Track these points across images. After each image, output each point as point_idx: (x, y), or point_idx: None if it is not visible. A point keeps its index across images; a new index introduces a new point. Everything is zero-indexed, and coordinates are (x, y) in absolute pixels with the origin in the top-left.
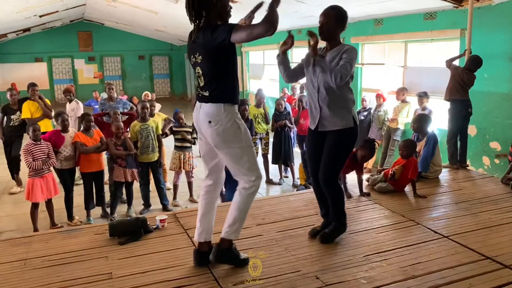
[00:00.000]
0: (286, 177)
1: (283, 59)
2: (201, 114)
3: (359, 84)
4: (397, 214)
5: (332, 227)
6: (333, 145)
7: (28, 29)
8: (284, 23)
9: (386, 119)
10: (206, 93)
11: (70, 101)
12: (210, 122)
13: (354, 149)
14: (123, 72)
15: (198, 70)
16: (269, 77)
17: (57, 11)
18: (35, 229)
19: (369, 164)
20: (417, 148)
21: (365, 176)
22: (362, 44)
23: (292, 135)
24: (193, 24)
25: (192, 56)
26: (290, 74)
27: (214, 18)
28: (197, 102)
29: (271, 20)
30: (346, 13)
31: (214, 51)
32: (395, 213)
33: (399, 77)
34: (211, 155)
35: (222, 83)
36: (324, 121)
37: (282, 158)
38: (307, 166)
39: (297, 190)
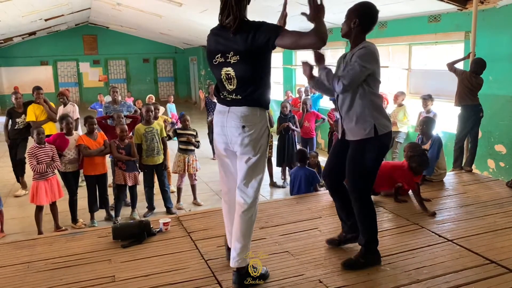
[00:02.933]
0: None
1: (315, 83)
2: (232, 119)
3: None
4: (401, 217)
5: (360, 254)
6: (353, 156)
7: (33, 33)
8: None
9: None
10: (238, 97)
11: (65, 104)
12: (244, 127)
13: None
14: (128, 75)
15: (228, 71)
16: (273, 80)
17: (62, 15)
18: (39, 232)
19: None
20: None
21: None
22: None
23: (295, 137)
24: (224, 19)
25: (220, 56)
26: (330, 90)
27: (243, 10)
28: (221, 105)
29: (321, 33)
30: (369, 9)
31: (255, 52)
32: (399, 217)
33: (403, 80)
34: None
35: (260, 86)
36: (346, 129)
37: (286, 160)
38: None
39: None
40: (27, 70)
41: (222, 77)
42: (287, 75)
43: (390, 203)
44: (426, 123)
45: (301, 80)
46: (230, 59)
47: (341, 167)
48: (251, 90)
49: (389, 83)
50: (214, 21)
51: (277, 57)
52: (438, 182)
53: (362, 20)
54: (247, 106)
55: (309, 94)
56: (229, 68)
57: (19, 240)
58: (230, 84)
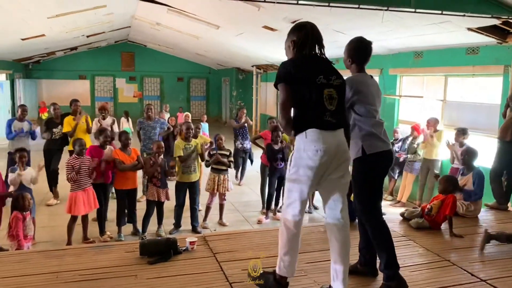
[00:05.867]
0: (316, 208)
1: None
2: (342, 142)
3: (396, 116)
4: (432, 252)
5: (384, 279)
6: (352, 175)
7: (75, 48)
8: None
9: (420, 152)
10: (336, 119)
11: (105, 118)
12: (346, 149)
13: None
14: (162, 93)
15: (332, 92)
16: None
17: (103, 32)
18: (69, 242)
19: (403, 197)
20: (461, 181)
21: (400, 210)
22: (401, 76)
23: None
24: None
25: (321, 76)
26: None
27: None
28: (323, 130)
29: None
30: (359, 44)
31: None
32: (429, 252)
33: (438, 111)
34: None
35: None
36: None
37: None
38: None
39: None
40: (66, 83)
41: (325, 97)
42: None
43: (421, 236)
44: (469, 153)
45: None
46: (333, 81)
47: None
48: (343, 113)
49: (422, 114)
50: (249, 44)
51: None
52: (472, 218)
53: (350, 55)
54: (341, 129)
55: None
56: (332, 90)
57: (50, 249)
58: (332, 106)
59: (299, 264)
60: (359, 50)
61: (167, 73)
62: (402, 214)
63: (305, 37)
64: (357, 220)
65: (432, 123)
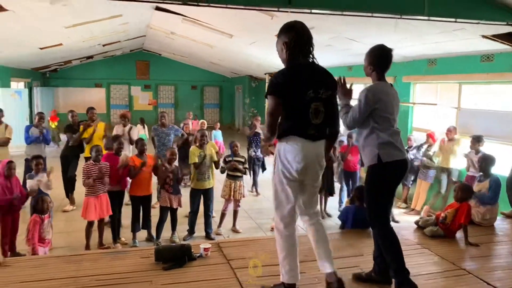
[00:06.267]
0: (330, 215)
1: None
2: (320, 153)
3: (410, 123)
4: (447, 261)
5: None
6: (365, 183)
7: (91, 57)
8: (335, 60)
9: (435, 160)
10: (319, 132)
11: (125, 125)
12: (323, 159)
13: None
14: (176, 101)
15: (318, 106)
16: None
17: (119, 41)
18: (87, 246)
19: (417, 205)
20: (477, 188)
21: (414, 218)
22: (414, 83)
23: (334, 168)
24: (310, 58)
25: (311, 91)
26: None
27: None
28: (304, 140)
29: (265, 132)
30: (382, 52)
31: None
32: (444, 260)
33: (452, 118)
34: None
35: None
36: (361, 158)
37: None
38: (354, 202)
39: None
40: (82, 91)
41: (311, 110)
42: None
43: (436, 245)
44: (486, 160)
45: None
46: (321, 94)
47: None
48: (332, 125)
49: (436, 121)
50: (262, 53)
51: None
52: (488, 227)
53: (373, 62)
54: (323, 140)
55: None
56: (319, 103)
57: (68, 254)
58: (318, 119)
59: (313, 271)
60: (381, 57)
61: (181, 81)
62: (416, 222)
63: (296, 38)
64: (371, 229)
65: (451, 131)
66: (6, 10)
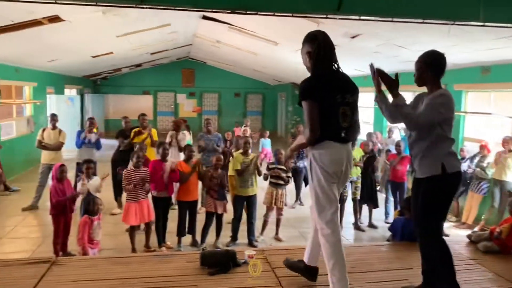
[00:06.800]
0: (376, 227)
1: (382, 98)
2: (351, 153)
3: (461, 133)
4: (503, 278)
5: None
6: (422, 194)
7: (139, 65)
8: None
9: (488, 172)
10: (348, 135)
11: (178, 132)
12: (352, 161)
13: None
14: (219, 108)
15: (346, 110)
16: (363, 119)
17: (166, 50)
18: (133, 250)
19: (469, 219)
20: None
21: (465, 232)
22: (466, 91)
23: (376, 177)
24: (334, 67)
25: (339, 96)
26: (393, 115)
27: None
28: (338, 143)
29: (307, 136)
30: (439, 57)
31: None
32: (500, 277)
33: (507, 128)
34: None
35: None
36: (416, 167)
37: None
38: (403, 214)
39: (387, 241)
40: (130, 98)
41: (340, 114)
42: (378, 116)
43: (491, 261)
44: None
45: None
46: (348, 99)
47: None
48: (357, 129)
49: (489, 131)
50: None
51: (366, 97)
52: None
53: (432, 68)
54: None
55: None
56: (347, 107)
57: (116, 256)
58: (346, 123)
59: (359, 283)
60: (439, 64)
61: (225, 88)
62: (469, 237)
63: (318, 47)
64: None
65: (507, 142)
66: (63, 20)
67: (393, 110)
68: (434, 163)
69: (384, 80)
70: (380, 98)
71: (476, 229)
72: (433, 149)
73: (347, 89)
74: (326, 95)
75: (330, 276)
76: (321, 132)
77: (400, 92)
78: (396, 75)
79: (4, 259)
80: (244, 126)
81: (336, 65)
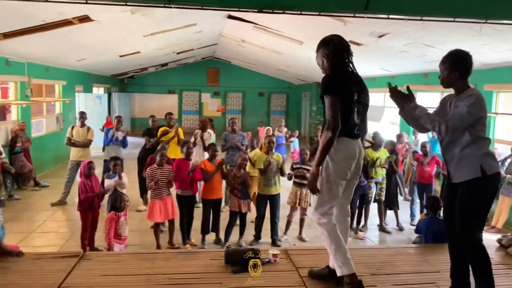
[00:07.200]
0: (402, 229)
1: (408, 116)
2: (362, 150)
3: (491, 135)
4: None
5: None
6: (461, 198)
7: (165, 64)
8: (409, 67)
9: None
10: (360, 132)
11: (204, 131)
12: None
13: None
14: (243, 107)
15: (360, 108)
16: (389, 120)
17: (192, 49)
18: (158, 246)
19: (499, 222)
20: None
21: (494, 236)
22: (497, 92)
23: (398, 179)
24: (352, 70)
25: (356, 94)
26: (422, 127)
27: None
28: (353, 139)
29: (328, 129)
30: (465, 56)
31: None
32: None
33: None
34: None
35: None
36: (452, 172)
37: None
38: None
39: (413, 243)
40: (156, 97)
41: (356, 112)
42: None
43: None
44: None
45: None
46: (364, 99)
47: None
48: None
49: None
50: None
51: None
52: None
53: (459, 68)
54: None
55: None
56: (362, 107)
57: (142, 252)
58: (359, 120)
59: (384, 285)
60: (465, 64)
61: (249, 88)
62: (499, 241)
63: (335, 48)
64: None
65: None
66: (93, 20)
67: (419, 122)
68: (473, 166)
69: (400, 96)
70: (403, 113)
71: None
72: (469, 151)
73: (362, 89)
74: (346, 92)
75: (334, 260)
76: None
77: (429, 93)
78: (408, 88)
79: (35, 253)
80: (281, 126)
81: (352, 66)
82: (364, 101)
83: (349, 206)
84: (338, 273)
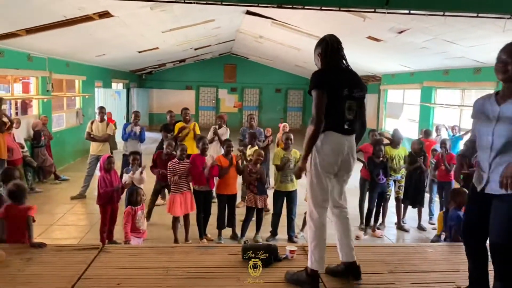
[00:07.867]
0: (424, 229)
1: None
2: (353, 145)
3: None
4: None
5: None
6: (507, 211)
7: (183, 60)
8: (429, 63)
9: None
10: (352, 127)
11: (220, 127)
12: (354, 152)
13: None
14: (260, 103)
15: (352, 104)
16: (408, 117)
17: (210, 45)
18: (175, 240)
19: None
20: None
21: None
22: None
23: (426, 178)
24: (344, 64)
25: (346, 89)
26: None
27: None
28: (340, 134)
29: (311, 126)
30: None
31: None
32: None
33: None
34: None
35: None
36: (494, 184)
37: (409, 199)
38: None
39: (431, 241)
40: (173, 93)
41: (346, 108)
42: (424, 113)
43: None
44: None
45: (439, 119)
46: (355, 93)
47: (484, 223)
48: (357, 122)
49: None
50: (350, 55)
51: (413, 94)
52: None
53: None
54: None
55: (439, 132)
56: (353, 102)
57: (161, 245)
58: (352, 116)
59: (402, 283)
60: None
61: (266, 84)
62: None
63: (326, 44)
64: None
65: None
66: (113, 16)
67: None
68: None
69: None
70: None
71: None
72: None
73: (355, 84)
74: (333, 87)
75: (310, 254)
76: (325, 123)
77: (449, 90)
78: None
79: (55, 245)
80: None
81: (345, 62)
82: (358, 96)
83: (343, 200)
84: (308, 264)
